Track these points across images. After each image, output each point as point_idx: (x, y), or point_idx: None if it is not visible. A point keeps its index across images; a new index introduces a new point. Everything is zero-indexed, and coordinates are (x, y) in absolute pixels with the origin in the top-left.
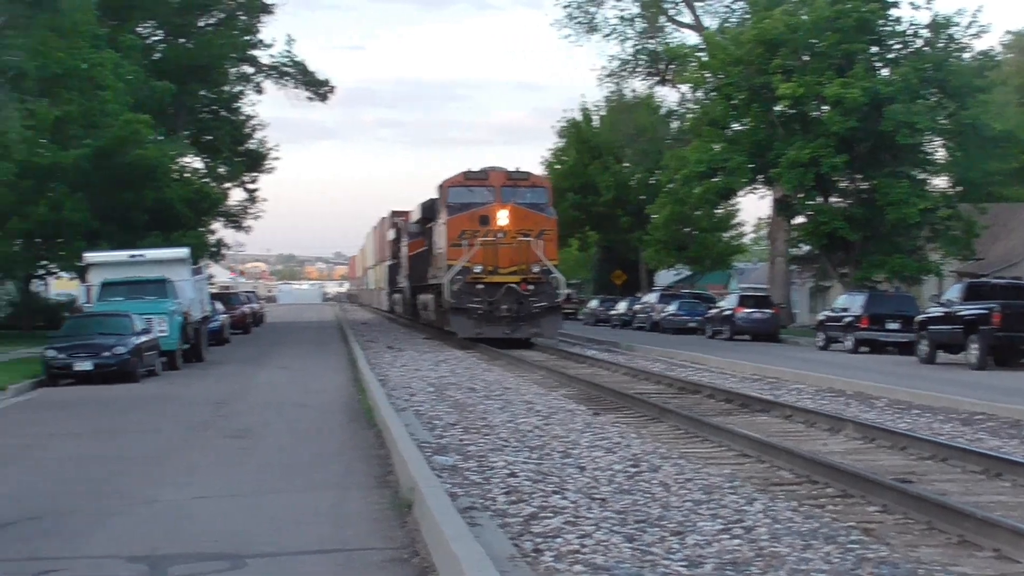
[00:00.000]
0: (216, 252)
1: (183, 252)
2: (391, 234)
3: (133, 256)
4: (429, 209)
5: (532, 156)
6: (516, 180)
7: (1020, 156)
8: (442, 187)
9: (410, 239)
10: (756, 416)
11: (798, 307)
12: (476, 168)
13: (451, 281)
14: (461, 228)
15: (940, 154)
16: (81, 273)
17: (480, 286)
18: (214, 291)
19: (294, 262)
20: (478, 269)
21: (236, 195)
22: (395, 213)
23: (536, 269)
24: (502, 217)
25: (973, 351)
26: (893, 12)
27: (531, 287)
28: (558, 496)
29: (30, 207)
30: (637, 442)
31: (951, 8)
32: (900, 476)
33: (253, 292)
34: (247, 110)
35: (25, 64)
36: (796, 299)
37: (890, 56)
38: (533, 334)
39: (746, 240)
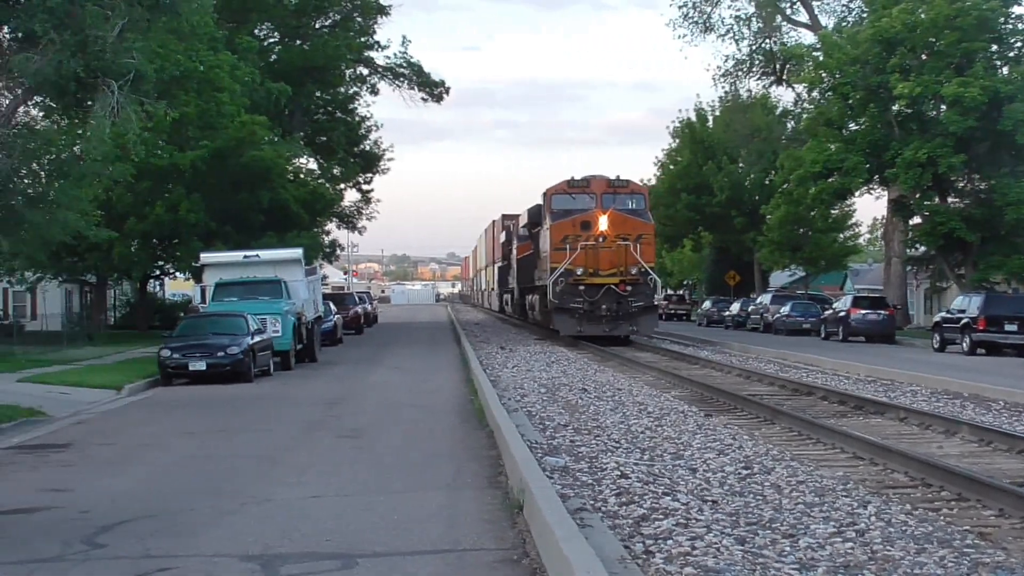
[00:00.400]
0: (330, 253)
1: (296, 253)
2: (502, 236)
3: (247, 257)
4: (535, 214)
5: (646, 156)
6: (616, 187)
7: None
8: (546, 194)
9: (519, 242)
10: (870, 418)
11: (914, 308)
12: (578, 176)
13: (555, 282)
14: (564, 233)
15: None
16: (196, 274)
17: (582, 287)
18: (327, 292)
19: (407, 263)
20: (580, 271)
21: (350, 196)
22: (506, 216)
23: (634, 271)
24: (602, 223)
25: None
26: (1015, 9)
27: (629, 288)
28: (669, 498)
29: (147, 208)
30: (749, 444)
31: None
32: (1018, 480)
33: (367, 292)
34: (362, 111)
35: (143, 66)
36: (912, 300)
37: (1011, 54)
38: (631, 331)
39: (862, 241)
